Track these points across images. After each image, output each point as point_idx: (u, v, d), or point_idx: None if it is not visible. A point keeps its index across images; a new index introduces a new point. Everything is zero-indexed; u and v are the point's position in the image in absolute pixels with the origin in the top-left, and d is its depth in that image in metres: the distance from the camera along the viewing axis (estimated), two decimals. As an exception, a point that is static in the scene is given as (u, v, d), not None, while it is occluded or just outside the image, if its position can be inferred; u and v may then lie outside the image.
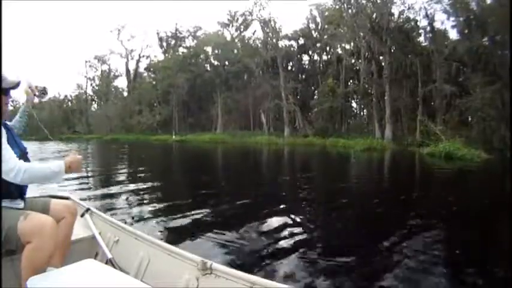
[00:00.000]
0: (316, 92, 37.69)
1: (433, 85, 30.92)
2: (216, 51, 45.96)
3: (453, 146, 21.38)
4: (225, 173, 13.23)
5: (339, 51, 37.41)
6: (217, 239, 4.18)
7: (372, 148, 26.37)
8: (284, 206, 6.50)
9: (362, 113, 36.40)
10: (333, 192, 8.43)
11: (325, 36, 37.28)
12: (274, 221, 5.16)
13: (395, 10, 34.08)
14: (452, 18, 33.55)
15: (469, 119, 31.44)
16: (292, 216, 5.46)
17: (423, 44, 34.23)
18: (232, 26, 47.25)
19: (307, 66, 39.27)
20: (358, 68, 35.86)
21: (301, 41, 39.80)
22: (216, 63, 46.27)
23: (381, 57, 33.47)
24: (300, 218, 5.49)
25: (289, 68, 41.21)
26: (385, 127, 30.86)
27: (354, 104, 36.75)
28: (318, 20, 39.75)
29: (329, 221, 5.73)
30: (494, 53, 30.71)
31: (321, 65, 38.08)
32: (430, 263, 3.57)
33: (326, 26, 37.40)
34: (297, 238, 4.37)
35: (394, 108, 31.17)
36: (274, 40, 40.03)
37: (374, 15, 33.93)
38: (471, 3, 32.12)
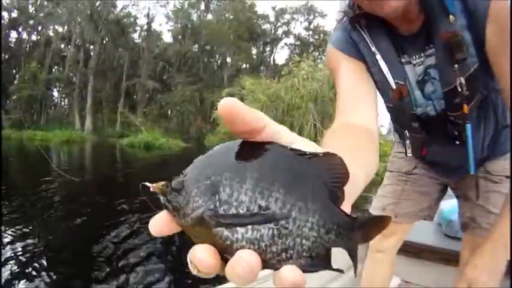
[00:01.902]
0: (17, 76, 34.38)
1: (138, 79, 33.47)
2: None
3: (152, 137, 23.02)
4: None
5: (51, 33, 35.38)
6: None
7: (71, 140, 25.70)
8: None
9: (63, 103, 36.22)
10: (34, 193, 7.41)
11: (42, 14, 34.78)
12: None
13: (119, 3, 35.11)
14: (171, 23, 37.46)
15: (169, 112, 36.15)
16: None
17: (136, 41, 36.27)
18: None
19: (12, 45, 35.79)
20: (66, 54, 34.56)
21: (15, 14, 35.86)
22: None
23: (91, 47, 33.50)
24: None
25: None
26: (85, 118, 31.05)
27: (55, 93, 36.05)
28: (39, -6, 36.28)
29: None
30: (200, 59, 36.11)
31: (28, 46, 35.39)
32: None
33: (45, 3, 34.91)
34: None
35: (96, 100, 31.71)
36: (-15, 7, 34.69)
37: (97, 3, 33.57)
38: (193, 14, 36.63)
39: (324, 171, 0.27)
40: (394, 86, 0.86)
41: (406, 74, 0.88)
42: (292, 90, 12.45)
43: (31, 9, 35.57)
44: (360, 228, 0.29)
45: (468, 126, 0.82)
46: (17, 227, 4.77)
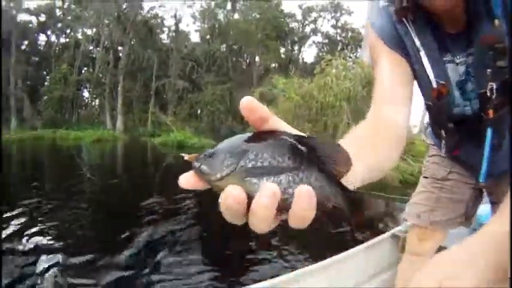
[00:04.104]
0: (48, 77, 34.49)
1: (167, 79, 33.31)
2: None
3: (184, 136, 22.91)
4: None
5: (79, 35, 35.43)
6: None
7: (103, 139, 25.68)
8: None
9: (94, 103, 36.14)
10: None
11: (69, 17, 34.72)
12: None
13: (145, 5, 34.98)
14: (198, 24, 37.58)
15: (199, 111, 35.76)
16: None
17: (164, 41, 36.18)
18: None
19: (42, 48, 35.91)
20: (95, 55, 34.56)
21: (43, 18, 35.98)
22: None
23: (120, 48, 33.30)
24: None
25: (23, 47, 35.53)
26: (117, 118, 30.95)
27: (85, 94, 35.99)
28: (65, -2, 36.56)
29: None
30: (229, 59, 35.87)
31: (58, 48, 35.48)
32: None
33: (73, 6, 35.00)
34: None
35: (126, 100, 31.58)
36: (14, 12, 34.87)
37: (124, 5, 33.87)
38: (220, 14, 36.63)
39: (320, 150, 0.36)
40: (435, 85, 0.86)
41: (447, 73, 0.86)
42: (325, 89, 12.00)
43: (58, 13, 35.82)
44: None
45: (489, 130, 0.83)
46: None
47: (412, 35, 0.82)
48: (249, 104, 0.36)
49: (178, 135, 23.50)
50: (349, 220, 0.39)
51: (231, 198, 0.32)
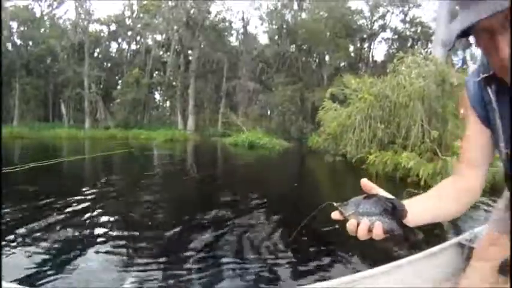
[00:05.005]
0: (120, 81, 35.54)
1: (238, 81, 32.79)
2: (22, 28, 38.54)
3: (255, 136, 22.29)
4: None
5: (149, 41, 36.02)
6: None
7: (174, 139, 25.85)
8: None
9: (165, 105, 36.05)
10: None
11: (139, 25, 35.44)
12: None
13: (213, 9, 35.29)
14: (265, 25, 37.21)
15: (268, 112, 34.70)
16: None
17: (233, 44, 36.10)
18: (46, 0, 40.66)
19: (114, 55, 36.78)
20: (165, 60, 34.94)
21: (113, 27, 37.11)
22: (19, 42, 38.76)
23: (189, 51, 33.41)
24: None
25: (96, 54, 37.38)
26: (188, 118, 30.84)
27: (157, 96, 36.09)
28: (135, 7, 37.69)
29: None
30: (298, 59, 35.00)
31: (129, 54, 36.15)
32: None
33: (141, 15, 35.80)
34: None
35: (197, 101, 31.57)
36: (85, 23, 36.20)
37: (192, 11, 34.39)
38: (287, 15, 36.23)
39: (396, 205, 0.69)
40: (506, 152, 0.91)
41: None
42: (398, 88, 11.15)
43: (128, 21, 36.84)
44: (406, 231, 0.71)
45: None
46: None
47: (494, 106, 0.88)
48: (364, 184, 0.72)
49: (250, 135, 22.95)
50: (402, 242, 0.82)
51: (351, 225, 0.68)
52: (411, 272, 1.58)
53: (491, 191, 4.09)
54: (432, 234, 3.79)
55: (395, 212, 0.70)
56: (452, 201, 0.87)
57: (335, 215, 0.72)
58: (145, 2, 36.51)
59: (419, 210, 0.77)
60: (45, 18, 39.69)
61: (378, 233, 0.68)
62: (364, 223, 0.68)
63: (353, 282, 1.42)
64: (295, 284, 2.73)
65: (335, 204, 0.73)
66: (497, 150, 0.95)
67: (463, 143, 1.00)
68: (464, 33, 0.72)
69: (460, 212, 0.89)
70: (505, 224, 1.21)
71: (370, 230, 0.69)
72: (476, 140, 0.95)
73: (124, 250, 3.50)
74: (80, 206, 5.22)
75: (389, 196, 0.73)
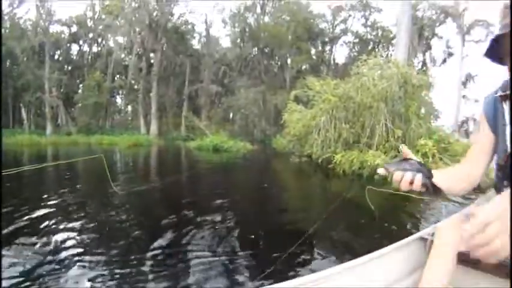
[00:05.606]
0: (81, 85, 35.00)
1: (200, 84, 32.93)
2: (-23, 29, 37.09)
3: (219, 139, 22.35)
4: None
5: (111, 44, 35.52)
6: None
7: (138, 144, 25.47)
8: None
9: (126, 109, 35.77)
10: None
11: (100, 27, 34.92)
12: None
13: (176, 11, 35.15)
14: (228, 28, 37.28)
15: (231, 115, 35.07)
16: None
17: (195, 47, 36.03)
18: (7, -1, 39.07)
19: (75, 57, 36.04)
20: (127, 63, 34.62)
21: (74, 29, 36.38)
22: (-27, 44, 37.30)
23: (151, 54, 33.18)
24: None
25: (56, 57, 36.46)
26: (150, 123, 30.75)
27: (118, 100, 35.71)
28: (97, 8, 37.03)
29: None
30: (261, 62, 35.35)
31: (90, 57, 35.53)
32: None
33: (103, 16, 35.24)
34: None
35: (160, 105, 31.38)
36: (46, 23, 35.31)
37: (155, 13, 34.10)
38: (250, 18, 36.44)
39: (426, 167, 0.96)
40: (509, 150, 1.14)
41: None
42: (362, 89, 11.51)
43: (89, 23, 36.13)
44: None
45: None
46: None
47: (504, 113, 1.13)
48: (404, 150, 0.93)
49: (214, 138, 23.04)
50: (433, 195, 0.95)
51: (398, 176, 0.89)
52: (375, 268, 1.63)
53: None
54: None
55: (427, 172, 0.92)
56: (457, 182, 1.17)
57: (381, 171, 0.93)
58: (107, 3, 35.95)
59: (438, 179, 0.97)
60: (6, 18, 38.44)
61: (418, 183, 0.88)
62: (408, 175, 0.89)
63: (317, 280, 1.42)
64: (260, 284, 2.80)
65: (384, 164, 0.97)
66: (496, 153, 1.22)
67: (473, 144, 1.28)
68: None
69: (464, 191, 1.21)
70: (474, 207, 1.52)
71: (411, 183, 0.89)
72: (484, 145, 1.22)
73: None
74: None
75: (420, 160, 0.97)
